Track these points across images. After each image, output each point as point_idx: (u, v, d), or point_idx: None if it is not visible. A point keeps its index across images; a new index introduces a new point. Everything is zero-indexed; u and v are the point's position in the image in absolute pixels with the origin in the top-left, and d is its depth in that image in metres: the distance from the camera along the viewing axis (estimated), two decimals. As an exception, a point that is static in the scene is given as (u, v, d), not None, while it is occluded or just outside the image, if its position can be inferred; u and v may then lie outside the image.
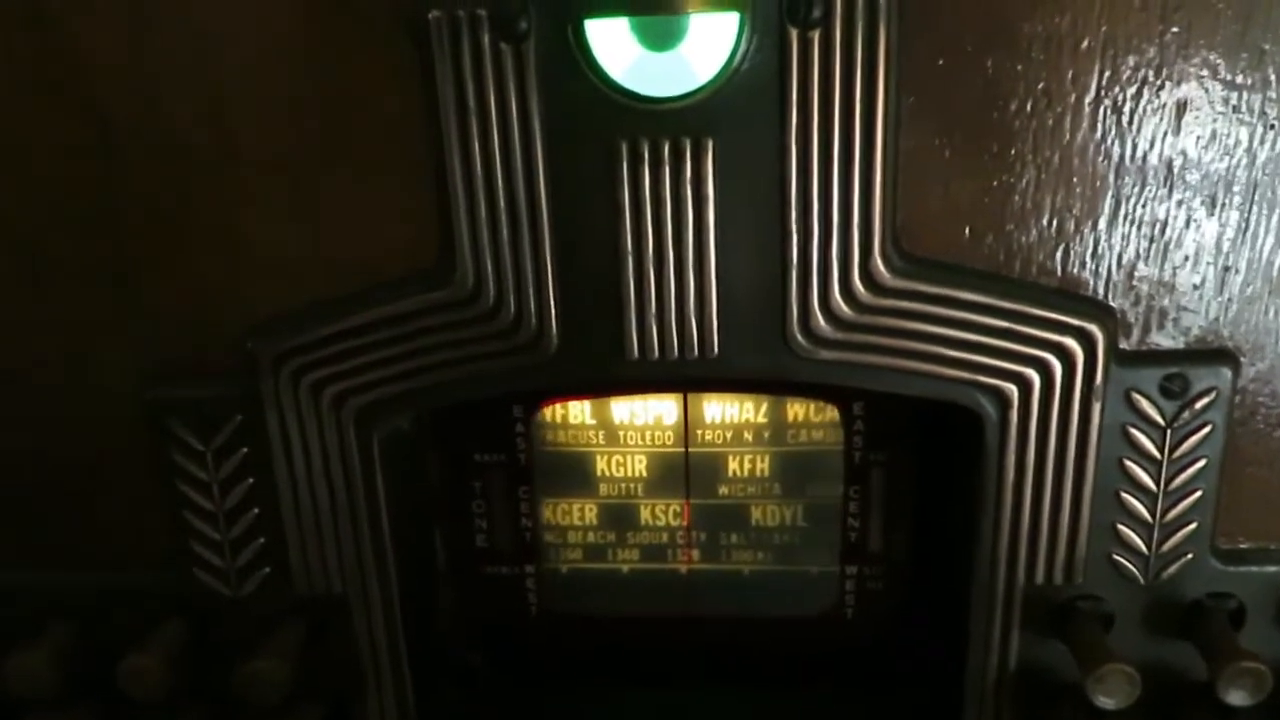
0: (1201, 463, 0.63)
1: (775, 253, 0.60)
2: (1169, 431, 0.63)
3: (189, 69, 0.59)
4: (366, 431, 0.65)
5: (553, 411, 0.75)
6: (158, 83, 0.60)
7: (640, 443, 0.76)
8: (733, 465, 0.76)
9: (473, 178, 0.59)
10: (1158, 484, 0.64)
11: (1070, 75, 0.57)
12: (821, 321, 0.61)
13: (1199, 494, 0.64)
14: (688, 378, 0.64)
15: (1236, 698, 0.63)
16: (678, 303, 0.61)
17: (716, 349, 0.62)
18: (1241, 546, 0.66)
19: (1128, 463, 0.63)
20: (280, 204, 0.62)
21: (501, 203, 0.59)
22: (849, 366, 0.62)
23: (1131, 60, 0.57)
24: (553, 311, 0.62)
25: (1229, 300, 0.61)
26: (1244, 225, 0.60)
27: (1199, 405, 0.62)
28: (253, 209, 0.62)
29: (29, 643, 0.69)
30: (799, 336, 0.61)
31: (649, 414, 0.75)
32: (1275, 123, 0.58)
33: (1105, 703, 0.63)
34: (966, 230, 0.60)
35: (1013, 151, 0.58)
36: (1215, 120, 0.58)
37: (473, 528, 0.79)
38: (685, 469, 0.76)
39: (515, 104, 0.57)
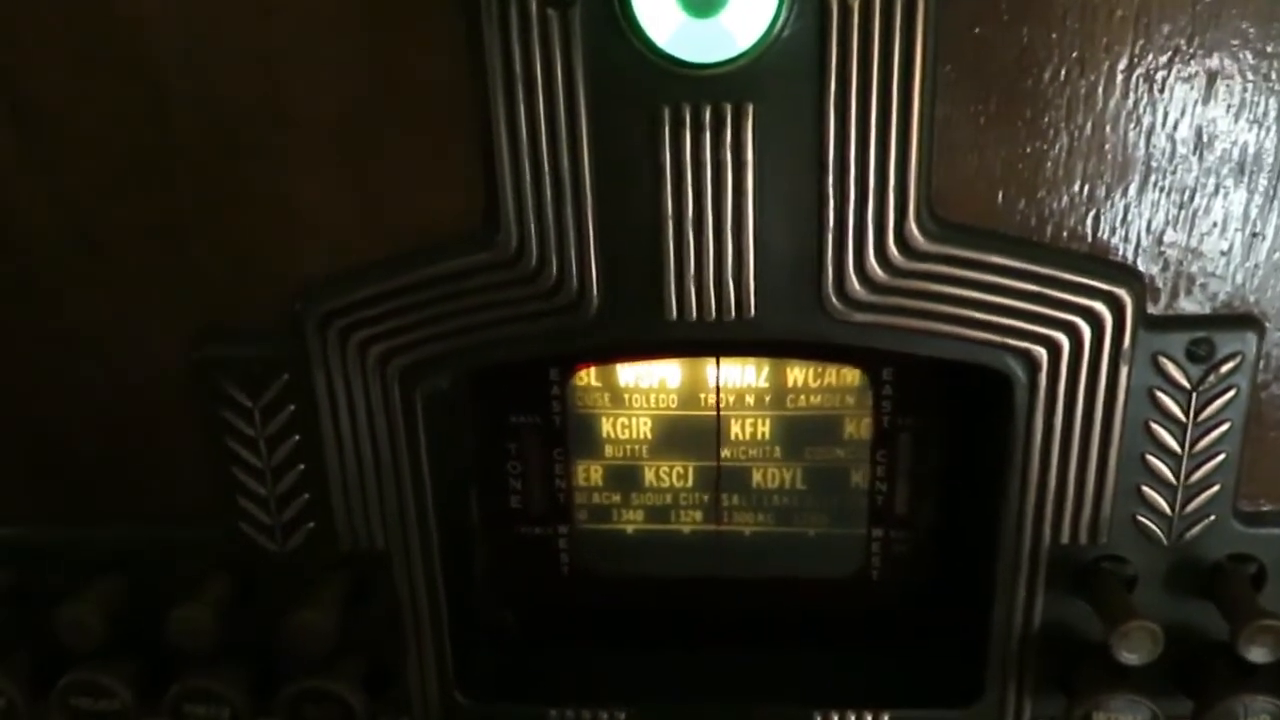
0: (1225, 426, 0.65)
1: (812, 217, 0.61)
2: (1194, 395, 0.64)
3: (241, 34, 0.61)
4: (410, 390, 0.67)
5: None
6: (209, 47, 0.61)
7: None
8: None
9: (518, 142, 0.61)
10: (1182, 447, 0.65)
11: (1104, 43, 0.58)
12: (856, 284, 0.63)
13: (1223, 457, 0.65)
14: (724, 340, 0.65)
15: (1257, 655, 0.65)
16: (716, 265, 0.63)
17: (753, 311, 0.64)
18: (1263, 509, 0.68)
19: (1153, 425, 0.65)
20: (329, 167, 0.63)
21: (546, 166, 0.61)
22: (882, 329, 0.64)
23: (1165, 28, 0.58)
24: (594, 273, 0.63)
25: (1255, 266, 0.63)
26: (1272, 193, 0.61)
27: (1224, 369, 0.64)
28: (302, 172, 0.63)
29: (78, 594, 0.71)
30: (834, 299, 0.63)
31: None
32: (1304, 92, 0.59)
33: (1128, 659, 0.65)
34: (999, 196, 0.61)
35: (1046, 119, 0.60)
36: (1246, 89, 0.59)
37: (507, 488, 0.80)
38: (717, 431, 0.77)
39: (560, 70, 0.59)
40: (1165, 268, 0.63)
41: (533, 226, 0.62)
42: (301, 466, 0.69)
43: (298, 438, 0.69)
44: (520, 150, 0.61)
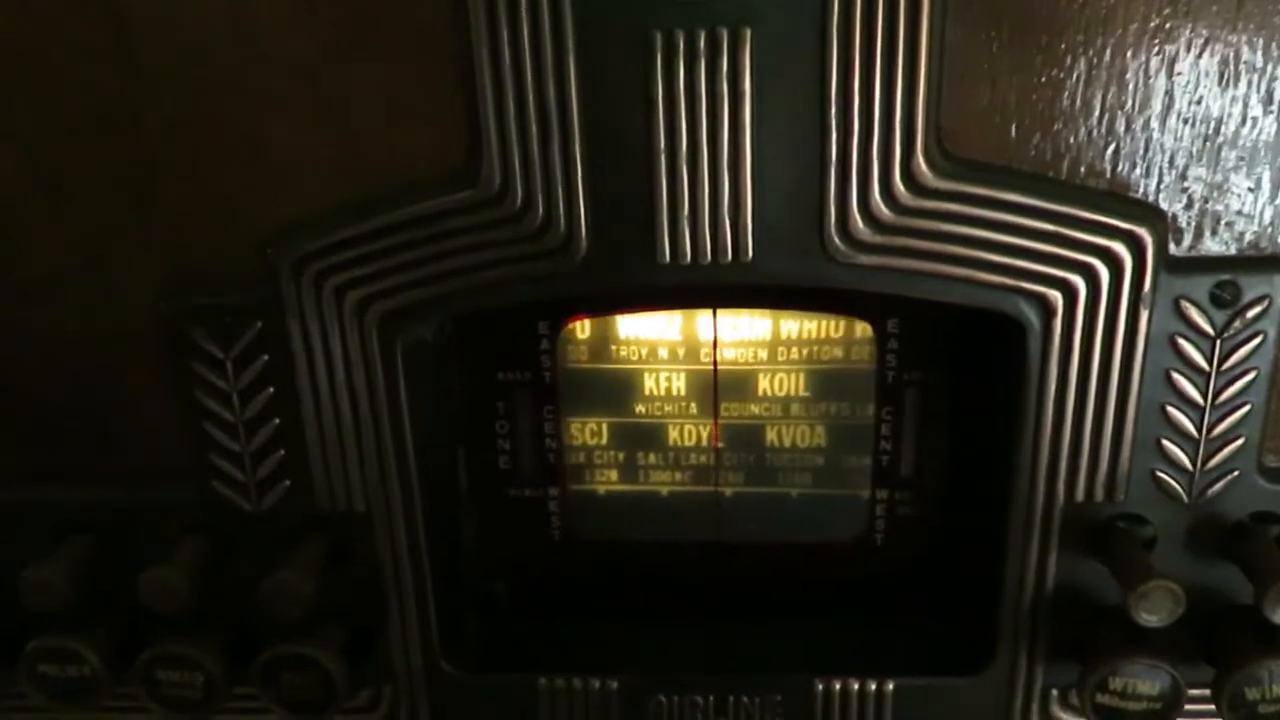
0: (1251, 375, 0.61)
1: (813, 151, 0.58)
2: (1219, 342, 0.61)
3: (208, -36, 0.58)
4: (389, 338, 0.63)
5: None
6: (176, -23, 0.58)
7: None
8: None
9: (501, 72, 0.57)
10: (1205, 397, 0.62)
11: (1125, -38, 0.55)
12: (860, 224, 0.59)
13: (1248, 408, 0.62)
14: (720, 284, 0.61)
15: (1283, 617, 0.61)
16: (711, 204, 0.59)
17: (750, 253, 0.60)
18: (1290, 464, 0.65)
19: (1175, 374, 0.62)
20: (302, 104, 0.60)
21: (530, 98, 0.57)
22: (888, 272, 0.60)
23: (1190, -55, 0.54)
24: (582, 213, 0.60)
25: (1284, 204, 0.59)
26: (1302, 124, 0.57)
27: (1250, 314, 0.60)
28: (274, 109, 0.60)
29: (46, 556, 0.67)
30: (836, 240, 0.59)
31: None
32: (1339, 14, 0.55)
33: (1148, 620, 0.61)
34: (1013, 129, 0.58)
35: (1063, 45, 0.56)
36: (1276, 12, 0.55)
37: (496, 449, 0.77)
38: (714, 388, 0.74)
39: (546, -7, 0.55)
40: (1189, 205, 0.59)
41: (517, 163, 0.59)
42: (276, 421, 0.66)
43: (272, 390, 0.65)
44: (503, 81, 0.57)
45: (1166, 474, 0.64)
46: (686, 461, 0.77)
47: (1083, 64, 0.56)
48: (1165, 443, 0.63)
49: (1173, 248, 0.60)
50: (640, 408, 0.75)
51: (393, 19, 0.58)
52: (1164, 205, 0.59)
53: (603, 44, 0.56)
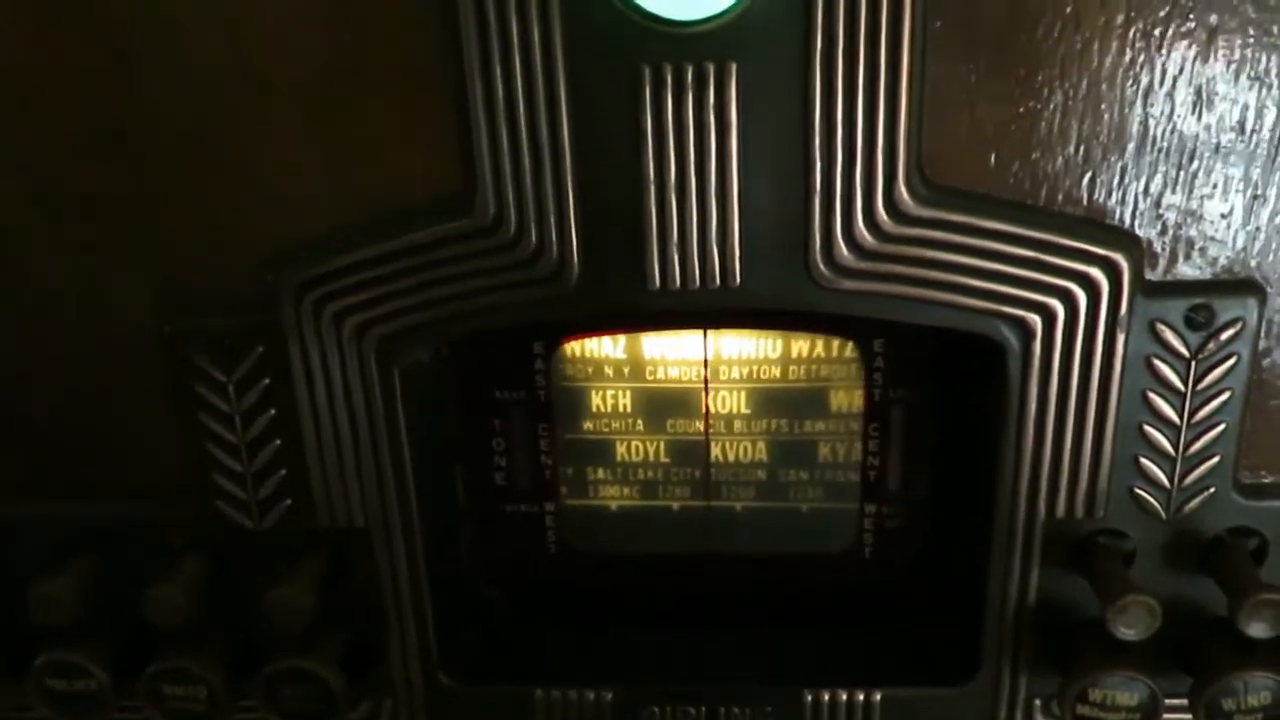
0: (1226, 395, 0.63)
1: (799, 180, 0.59)
2: (1193, 363, 0.62)
3: (208, -6, 0.59)
4: (388, 362, 0.65)
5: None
6: (175, 6, 0.59)
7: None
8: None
9: (494, 104, 0.59)
10: (1181, 417, 0.64)
11: (1100, -2, 0.56)
12: (844, 250, 0.61)
13: (1223, 427, 0.64)
14: (709, 309, 0.63)
15: (1257, 630, 0.63)
16: (699, 231, 0.61)
17: (739, 279, 0.62)
18: (1264, 481, 0.66)
19: (1151, 395, 0.63)
20: (300, 131, 0.61)
21: (523, 130, 0.59)
22: (872, 297, 0.62)
23: (1163, -18, 0.56)
24: (574, 241, 0.61)
25: (1257, 229, 0.61)
26: (1274, 153, 0.59)
27: (1224, 336, 0.62)
28: (272, 136, 0.61)
29: (53, 572, 0.69)
30: (821, 266, 0.61)
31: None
32: (1307, 47, 0.57)
33: (1126, 634, 0.63)
34: (992, 157, 0.60)
35: (1040, 77, 0.58)
36: (1246, 45, 0.57)
37: (492, 465, 0.79)
38: (705, 406, 0.76)
39: (538, 28, 0.57)
40: (1163, 231, 0.61)
41: (510, 193, 0.60)
42: (278, 442, 0.68)
43: (273, 412, 0.67)
44: (496, 113, 0.59)
45: (1144, 491, 0.66)
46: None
47: (1059, 95, 0.58)
48: (1143, 461, 0.65)
49: (1148, 273, 0.61)
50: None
51: (389, 49, 0.59)
52: (1140, 232, 0.61)
53: (593, 78, 0.58)
